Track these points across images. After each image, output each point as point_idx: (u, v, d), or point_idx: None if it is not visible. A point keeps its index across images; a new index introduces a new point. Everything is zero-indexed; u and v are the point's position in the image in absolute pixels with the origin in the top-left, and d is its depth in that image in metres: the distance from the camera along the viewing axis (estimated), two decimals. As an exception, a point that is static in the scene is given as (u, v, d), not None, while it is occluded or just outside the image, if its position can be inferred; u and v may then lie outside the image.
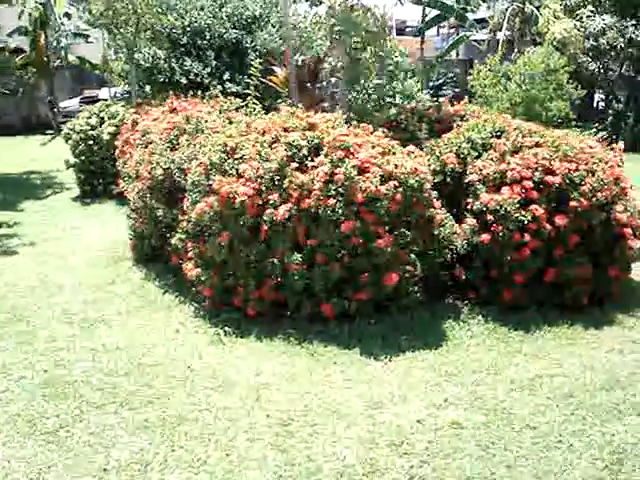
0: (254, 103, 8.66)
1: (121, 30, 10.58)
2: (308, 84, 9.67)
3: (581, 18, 16.55)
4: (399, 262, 5.94)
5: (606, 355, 5.71)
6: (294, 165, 5.88)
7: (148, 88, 13.90)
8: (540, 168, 6.18)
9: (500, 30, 18.14)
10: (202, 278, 6.31)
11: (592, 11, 16.33)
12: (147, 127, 7.50)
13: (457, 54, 25.37)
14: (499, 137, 6.64)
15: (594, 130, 16.69)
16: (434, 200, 6.25)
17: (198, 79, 13.55)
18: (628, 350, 5.78)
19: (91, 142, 10.85)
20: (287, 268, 5.88)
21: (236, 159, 6.11)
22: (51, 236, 9.47)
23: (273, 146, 6.04)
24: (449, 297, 6.67)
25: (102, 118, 11.01)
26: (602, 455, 4.34)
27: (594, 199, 6.14)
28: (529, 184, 6.12)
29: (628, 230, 6.47)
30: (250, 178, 5.92)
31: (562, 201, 6.22)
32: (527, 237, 6.08)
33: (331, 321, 6.10)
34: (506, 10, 17.94)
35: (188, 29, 13.87)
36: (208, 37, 13.75)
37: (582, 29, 16.29)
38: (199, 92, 9.88)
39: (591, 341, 5.97)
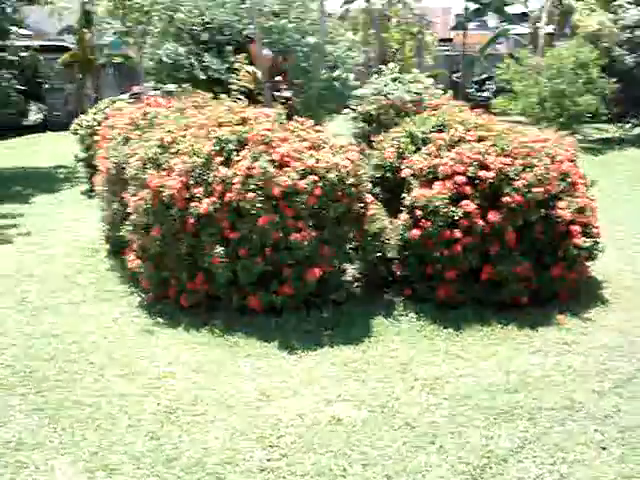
0: (239, 98, 8.77)
1: (132, 28, 10.83)
2: (265, 82, 9.65)
3: (616, 10, 15.88)
4: (323, 257, 5.92)
5: (528, 357, 5.54)
6: (219, 159, 5.95)
7: (173, 85, 14.17)
8: (475, 163, 6.03)
9: (538, 23, 17.59)
10: (141, 270, 6.46)
11: (629, 2, 15.62)
12: (113, 123, 7.72)
13: (506, 49, 24.76)
14: (441, 131, 6.51)
15: (630, 125, 16.01)
16: (366, 195, 6.20)
17: (217, 75, 13.73)
18: (554, 353, 5.60)
19: (97, 137, 11.17)
20: (213, 261, 5.96)
21: (171, 153, 6.23)
22: (46, 228, 9.84)
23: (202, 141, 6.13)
24: (388, 293, 6.60)
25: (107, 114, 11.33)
26: (469, 458, 4.24)
27: (529, 195, 5.95)
28: (461, 179, 5.99)
29: (575, 228, 6.24)
30: (180, 172, 6.02)
31: (498, 197, 6.06)
32: (458, 233, 5.95)
33: (259, 314, 6.15)
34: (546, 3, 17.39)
35: (209, 25, 14.09)
36: (228, 33, 13.95)
37: (617, 21, 15.63)
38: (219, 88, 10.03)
39: (520, 342, 5.80)
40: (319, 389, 5.09)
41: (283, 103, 9.33)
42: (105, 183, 7.31)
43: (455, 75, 22.73)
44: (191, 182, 6.01)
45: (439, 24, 27.37)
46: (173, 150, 6.24)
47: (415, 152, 6.39)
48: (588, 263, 6.86)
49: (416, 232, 6.05)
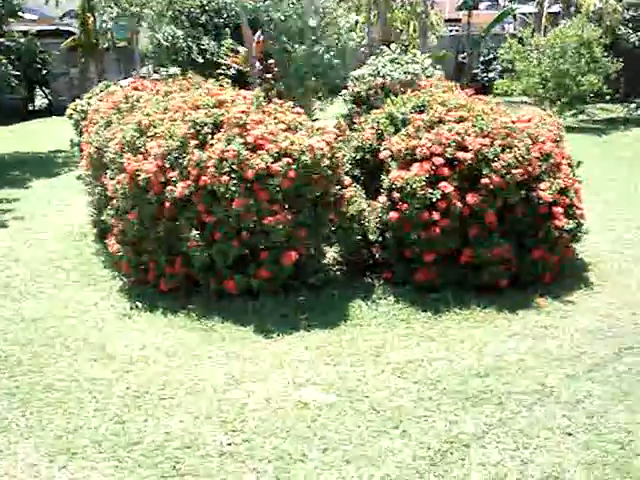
0: (226, 82, 8.71)
1: (126, 11, 10.77)
2: (258, 62, 9.56)
3: (621, -13, 15.59)
4: (299, 240, 5.88)
5: (505, 340, 5.48)
6: (194, 142, 5.90)
7: (173, 68, 14.15)
8: (453, 144, 5.94)
9: (543, 2, 17.30)
10: (121, 254, 6.46)
11: (634, -20, 15.33)
12: (97, 106, 7.69)
13: (514, 29, 24.45)
14: (421, 112, 6.41)
15: (634, 105, 15.75)
16: (343, 177, 6.13)
17: (215, 58, 13.70)
18: (531, 336, 5.53)
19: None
20: (189, 245, 5.93)
21: (149, 137, 6.19)
22: (40, 212, 9.87)
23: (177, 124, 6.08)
24: (368, 276, 6.54)
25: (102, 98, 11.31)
26: (432, 444, 4.19)
27: (508, 176, 5.85)
28: (439, 160, 5.90)
29: (557, 209, 6.14)
30: (155, 155, 5.98)
31: (477, 178, 5.96)
32: (436, 215, 5.87)
33: (237, 298, 6.12)
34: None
35: (207, 8, 14.05)
36: (225, 15, 13.90)
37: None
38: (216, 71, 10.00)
39: (498, 325, 5.74)
40: (290, 373, 5.06)
41: (271, 85, 9.26)
42: (88, 167, 7.29)
43: (461, 56, 22.49)
44: (167, 165, 5.96)
45: (447, 4, 27.03)
46: (150, 133, 6.19)
47: (395, 133, 6.30)
48: (576, 245, 6.81)
49: (394, 214, 5.98)
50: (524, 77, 14.70)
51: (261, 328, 5.75)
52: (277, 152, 5.72)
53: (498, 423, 4.36)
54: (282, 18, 8.80)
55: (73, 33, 20.20)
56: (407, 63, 13.11)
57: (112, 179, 6.32)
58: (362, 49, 19.66)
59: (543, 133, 6.32)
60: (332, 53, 8.16)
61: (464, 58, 22.09)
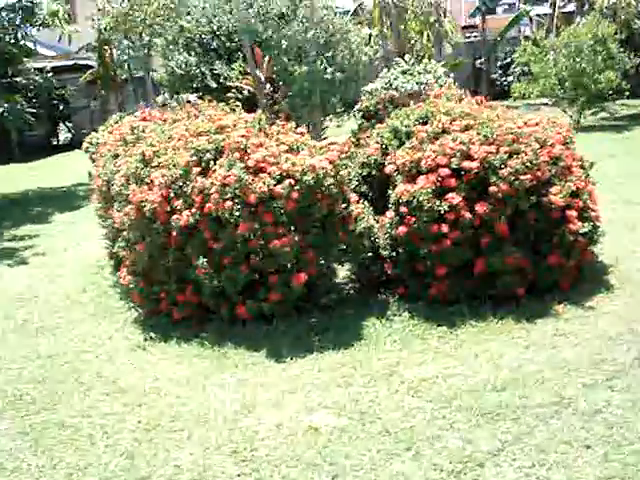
0: (236, 105, 8.71)
1: (135, 41, 10.90)
2: (267, 84, 9.55)
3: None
4: (308, 261, 5.81)
5: (522, 351, 5.34)
6: (197, 170, 5.88)
7: (193, 96, 14.22)
8: (458, 153, 5.83)
9: (556, 2, 17.10)
10: (132, 285, 6.46)
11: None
12: (105, 139, 7.74)
13: (530, 31, 24.21)
14: (425, 123, 6.32)
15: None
16: (350, 195, 6.06)
17: (228, 82, 13.73)
18: (549, 345, 5.37)
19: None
20: (197, 272, 5.90)
21: (153, 167, 6.20)
22: (60, 247, 9.96)
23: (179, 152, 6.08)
24: (382, 293, 6.44)
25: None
26: (445, 465, 4.06)
27: (516, 182, 5.72)
28: (445, 171, 5.79)
29: (571, 213, 5.99)
30: (160, 185, 5.98)
31: (486, 187, 5.85)
32: (445, 228, 5.76)
33: (250, 323, 6.07)
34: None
35: (217, 33, 14.10)
36: (237, 39, 13.92)
37: (635, -7, 15.10)
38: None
39: (515, 336, 5.59)
40: (302, 397, 4.98)
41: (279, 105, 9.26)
42: (100, 200, 7.32)
43: (479, 61, 22.31)
44: (172, 195, 5.96)
45: (463, 11, 26.91)
46: (154, 164, 6.20)
47: (399, 147, 6.22)
48: (595, 248, 6.64)
49: (402, 229, 5.89)
50: (541, 79, 14.52)
51: (274, 352, 5.67)
52: (279, 174, 5.68)
53: (514, 439, 4.22)
54: (274, 37, 8.78)
55: (91, 67, 20.53)
56: (419, 74, 13.04)
57: (119, 211, 6.33)
58: (377, 62, 19.66)
59: (551, 136, 6.18)
60: (333, 68, 8.07)
61: (481, 64, 21.94)
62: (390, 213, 6.01)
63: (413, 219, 5.79)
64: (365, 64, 14.95)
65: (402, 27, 18.80)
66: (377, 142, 6.39)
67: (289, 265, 5.79)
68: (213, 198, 5.70)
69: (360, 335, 5.82)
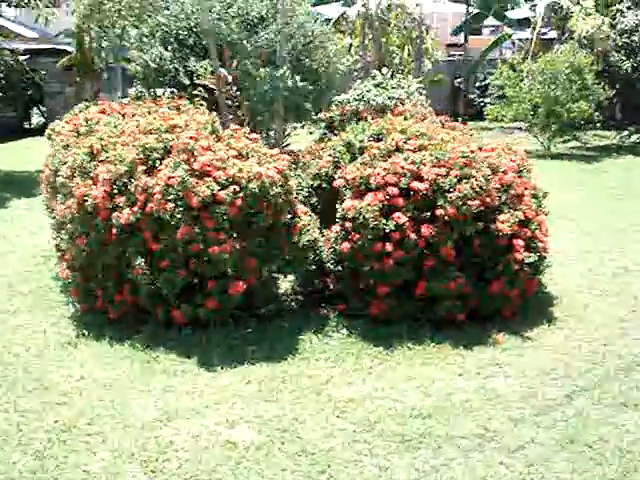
0: (200, 104, 8.59)
1: (108, 32, 10.73)
2: (233, 85, 9.43)
3: (615, 14, 15.40)
4: (248, 270, 5.71)
5: (455, 379, 5.26)
6: (142, 168, 5.75)
7: (162, 91, 14.04)
8: (409, 174, 5.77)
9: (536, 28, 17.20)
10: (70, 280, 6.31)
11: (629, 7, 15.15)
12: (60, 129, 7.58)
13: (512, 54, 24.32)
14: (379, 140, 6.25)
15: (627, 133, 15.55)
16: (297, 206, 5.97)
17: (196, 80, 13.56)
18: (483, 375, 5.31)
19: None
20: (135, 272, 5.76)
21: (100, 161, 6.05)
22: (13, 234, 9.75)
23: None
24: (324, 308, 6.35)
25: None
26: (357, 490, 3.98)
27: (464, 207, 5.67)
28: (394, 190, 5.73)
29: (518, 242, 5.94)
30: (103, 181, 5.84)
31: (433, 209, 5.78)
32: (389, 247, 5.69)
33: (185, 328, 5.95)
34: (546, 7, 16.98)
35: (195, 29, 13.95)
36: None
37: (615, 26, 15.17)
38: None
39: (450, 362, 5.52)
40: (226, 409, 4.86)
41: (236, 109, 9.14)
42: (47, 191, 7.16)
43: (457, 80, 22.38)
44: (115, 191, 5.82)
45: (449, 28, 26.96)
46: (102, 158, 6.05)
47: (351, 161, 6.14)
48: (546, 278, 6.65)
49: (346, 245, 5.80)
50: (514, 103, 14.57)
51: (205, 361, 5.55)
52: (225, 179, 5.57)
53: (431, 470, 4.14)
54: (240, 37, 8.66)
55: (69, 52, 20.23)
56: (392, 88, 13.01)
57: (62, 204, 6.18)
58: (356, 73, 19.63)
59: (505, 163, 6.14)
60: (301, 76, 7.93)
61: (460, 83, 22.01)
62: (336, 227, 5.93)
63: (357, 236, 5.71)
64: (342, 73, 14.91)
65: (384, 40, 18.76)
66: (330, 155, 6.30)
67: (229, 272, 5.68)
68: (156, 198, 5.57)
69: (295, 349, 5.72)
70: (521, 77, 14.74)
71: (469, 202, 5.67)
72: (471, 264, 5.97)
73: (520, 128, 17.18)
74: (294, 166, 6.10)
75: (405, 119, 6.78)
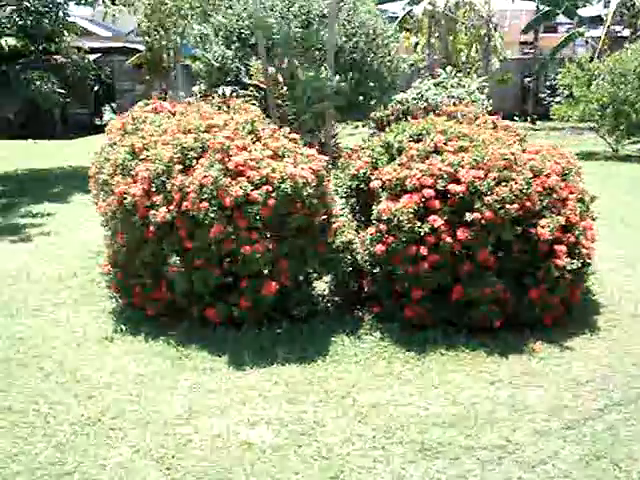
0: (252, 104, 8.65)
1: (169, 32, 10.92)
2: (283, 85, 9.43)
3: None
4: (281, 270, 5.70)
5: (484, 387, 5.11)
6: (178, 167, 5.81)
7: (222, 90, 14.24)
8: (445, 176, 5.64)
9: (612, 26, 16.59)
10: (111, 276, 6.44)
11: None
12: (110, 127, 7.74)
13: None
14: (419, 141, 6.13)
15: None
16: (332, 207, 5.93)
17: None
18: (514, 384, 5.14)
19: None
20: (170, 270, 5.84)
21: (140, 160, 6.15)
22: (69, 228, 10.05)
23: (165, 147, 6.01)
24: (359, 310, 6.28)
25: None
26: (369, 497, 3.92)
27: (502, 211, 5.50)
28: (430, 192, 5.61)
29: (560, 247, 5.74)
30: (142, 179, 5.93)
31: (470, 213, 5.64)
32: (424, 250, 5.58)
33: (220, 326, 5.98)
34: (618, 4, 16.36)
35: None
36: (276, 37, 13.85)
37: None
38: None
39: (482, 370, 5.37)
40: (248, 409, 4.86)
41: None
42: (94, 187, 7.32)
43: (527, 79, 21.84)
44: (153, 190, 5.90)
45: (522, 26, 26.31)
46: (142, 156, 6.15)
47: (389, 162, 6.05)
48: (595, 286, 6.42)
49: (380, 247, 5.72)
50: (581, 103, 14.09)
51: (236, 359, 5.57)
52: (259, 179, 5.57)
53: (446, 481, 4.04)
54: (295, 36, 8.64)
55: (140, 51, 20.73)
56: (452, 87, 12.82)
57: (104, 201, 6.31)
58: (422, 71, 19.41)
59: (548, 166, 5.93)
60: (338, 78, 7.87)
61: (529, 82, 21.47)
62: (371, 229, 5.85)
63: (391, 238, 5.62)
64: (405, 72, 14.76)
65: (451, 38, 18.48)
66: (369, 156, 6.22)
67: (263, 272, 5.69)
68: (190, 197, 5.62)
69: (326, 351, 5.68)
70: (589, 76, 14.24)
71: (507, 206, 5.50)
72: (510, 269, 5.80)
73: (591, 128, 16.62)
74: (331, 167, 6.05)
75: (454, 119, 6.63)
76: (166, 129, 6.48)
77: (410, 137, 6.18)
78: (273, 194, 5.50)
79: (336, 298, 6.44)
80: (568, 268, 5.73)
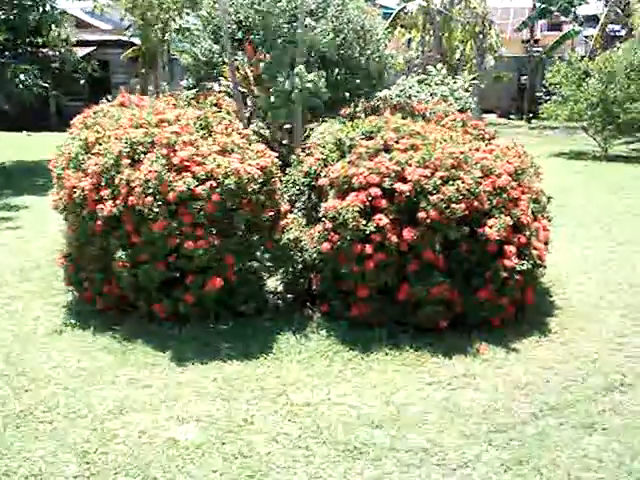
0: (223, 99, 8.63)
1: (152, 25, 10.89)
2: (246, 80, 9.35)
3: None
4: (226, 266, 5.67)
5: (421, 388, 5.07)
6: (127, 161, 5.79)
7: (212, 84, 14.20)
8: (392, 174, 5.59)
9: (609, 24, 16.45)
10: (63, 269, 6.44)
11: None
12: (75, 121, 7.71)
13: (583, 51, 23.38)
14: (370, 138, 6.08)
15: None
16: (281, 204, 5.89)
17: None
18: (453, 386, 5.09)
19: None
20: (116, 265, 5.82)
21: (92, 154, 6.13)
22: (41, 221, 10.04)
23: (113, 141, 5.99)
24: (308, 308, 6.24)
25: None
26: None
27: (447, 211, 5.45)
28: (376, 191, 5.56)
29: (509, 248, 5.68)
30: (92, 173, 5.91)
31: (416, 212, 5.59)
32: (369, 249, 5.53)
33: (166, 322, 5.97)
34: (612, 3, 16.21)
35: (243, 24, 14.01)
36: (262, 33, 13.82)
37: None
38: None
39: (422, 370, 5.33)
40: (180, 406, 4.84)
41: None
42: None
43: (523, 78, 21.70)
44: (102, 183, 5.88)
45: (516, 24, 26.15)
46: (95, 150, 6.13)
47: (340, 160, 6.00)
48: (559, 288, 6.38)
49: (326, 245, 5.68)
50: (570, 102, 13.98)
51: (178, 355, 5.55)
52: (204, 175, 5.54)
53: (362, 483, 4.01)
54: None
55: (135, 44, 20.74)
56: (436, 84, 12.73)
57: (57, 194, 6.30)
58: (415, 67, 19.30)
59: (500, 165, 5.87)
60: (313, 74, 7.71)
61: (525, 80, 21.34)
62: (319, 227, 5.81)
63: (337, 236, 5.58)
64: (393, 68, 14.67)
65: (445, 35, 18.36)
66: (321, 152, 6.18)
67: (208, 267, 5.66)
68: (136, 192, 5.59)
69: (269, 349, 5.65)
70: (579, 75, 14.11)
71: (453, 205, 5.45)
72: (458, 269, 5.75)
73: (582, 127, 16.49)
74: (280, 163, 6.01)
75: (423, 117, 6.57)
76: (121, 124, 6.46)
77: (362, 134, 6.12)
78: (217, 190, 5.47)
79: (289, 295, 6.40)
80: (518, 269, 5.68)
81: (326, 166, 6.03)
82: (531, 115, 18.30)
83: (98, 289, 6.19)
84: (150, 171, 5.52)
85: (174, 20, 11.64)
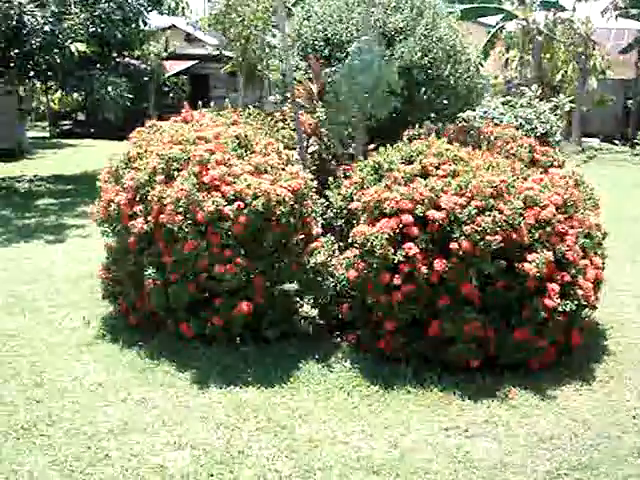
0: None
1: (234, 42, 11.02)
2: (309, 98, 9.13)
3: None
4: (255, 289, 5.53)
5: (435, 433, 4.72)
6: (160, 178, 5.76)
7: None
8: (426, 201, 5.29)
9: None
10: (100, 282, 6.50)
11: None
12: (134, 134, 7.82)
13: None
14: (410, 162, 5.79)
15: None
16: (312, 227, 5.70)
17: (332, 92, 13.54)
18: (470, 433, 4.71)
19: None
20: (147, 283, 5.79)
21: (132, 168, 6.16)
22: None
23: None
24: (339, 336, 6.00)
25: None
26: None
27: (481, 242, 5.08)
28: (408, 218, 5.27)
29: (552, 286, 5.24)
30: (128, 187, 5.93)
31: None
32: (397, 280, 5.25)
33: (193, 341, 5.88)
34: None
35: (330, 41, 13.95)
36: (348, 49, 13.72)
37: None
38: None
39: (444, 413, 4.97)
40: (182, 431, 4.72)
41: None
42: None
43: (629, 101, 20.53)
44: (137, 199, 5.89)
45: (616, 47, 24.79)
46: (135, 165, 6.16)
47: (376, 183, 5.74)
48: (612, 331, 5.88)
49: (353, 273, 5.43)
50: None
51: (199, 377, 5.44)
52: (233, 194, 5.43)
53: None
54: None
55: (232, 58, 21.09)
56: (521, 107, 12.22)
57: (97, 206, 6.38)
58: (514, 89, 18.59)
59: (547, 197, 5.44)
60: (363, 77, 7.38)
61: (631, 104, 20.17)
62: (348, 253, 5.57)
63: (363, 264, 5.32)
64: (482, 88, 14.20)
65: (547, 55, 17.63)
66: (359, 176, 5.93)
67: (235, 290, 5.54)
68: (167, 209, 5.55)
69: (289, 377, 5.45)
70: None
71: (488, 237, 5.08)
72: (494, 306, 5.35)
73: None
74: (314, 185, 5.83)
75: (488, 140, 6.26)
76: (162, 139, 6.47)
77: (402, 158, 5.84)
78: (245, 211, 5.34)
79: (320, 322, 6.19)
80: (560, 309, 5.23)
81: (362, 189, 5.78)
82: (635, 141, 17.24)
83: (131, 304, 6.20)
84: (181, 189, 5.46)
85: (260, 36, 11.74)
